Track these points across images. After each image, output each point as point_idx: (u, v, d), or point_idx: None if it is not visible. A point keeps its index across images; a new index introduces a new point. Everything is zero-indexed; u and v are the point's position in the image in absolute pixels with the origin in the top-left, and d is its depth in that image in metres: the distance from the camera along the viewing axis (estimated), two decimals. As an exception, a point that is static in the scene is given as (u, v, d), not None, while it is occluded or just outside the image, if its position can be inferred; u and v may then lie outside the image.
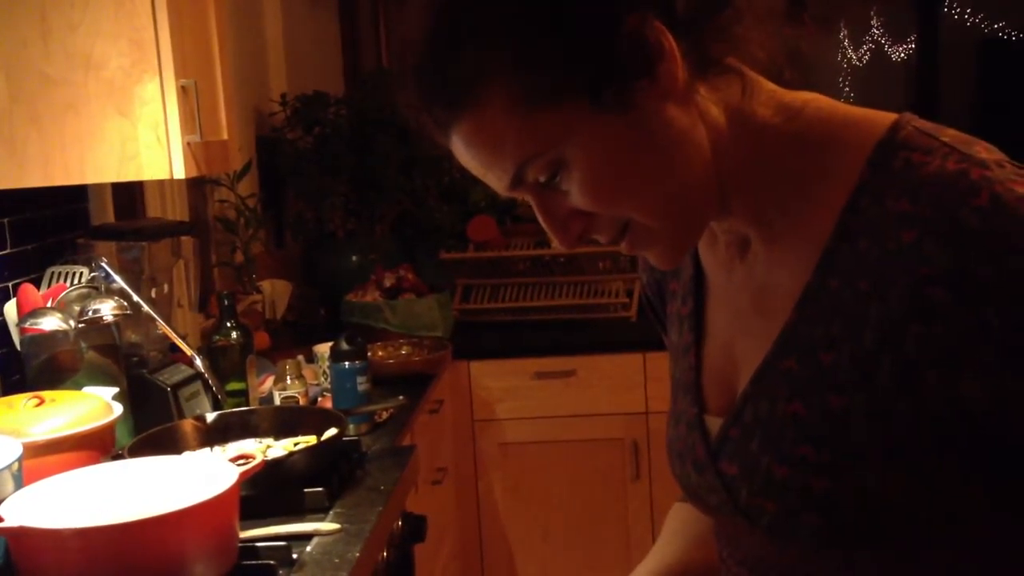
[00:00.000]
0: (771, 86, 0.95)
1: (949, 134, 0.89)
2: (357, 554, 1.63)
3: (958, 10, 6.12)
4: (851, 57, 6.26)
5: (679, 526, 1.26)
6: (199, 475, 1.52)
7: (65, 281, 2.23)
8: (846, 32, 6.27)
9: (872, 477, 0.88)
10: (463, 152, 0.90)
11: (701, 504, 1.05)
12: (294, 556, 1.60)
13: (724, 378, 1.02)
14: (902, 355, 0.86)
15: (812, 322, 0.92)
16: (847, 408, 0.89)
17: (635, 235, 0.93)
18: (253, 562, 1.54)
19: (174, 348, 2.24)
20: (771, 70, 0.95)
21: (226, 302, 2.43)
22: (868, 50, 6.30)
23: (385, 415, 2.51)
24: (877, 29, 6.30)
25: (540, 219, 0.93)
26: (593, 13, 0.85)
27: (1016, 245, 0.82)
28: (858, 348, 0.88)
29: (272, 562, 1.54)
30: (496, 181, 0.91)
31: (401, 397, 2.46)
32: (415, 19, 0.90)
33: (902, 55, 6.29)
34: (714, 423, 1.02)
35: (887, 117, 0.93)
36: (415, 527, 2.14)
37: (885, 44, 6.30)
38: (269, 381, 2.59)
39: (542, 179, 0.89)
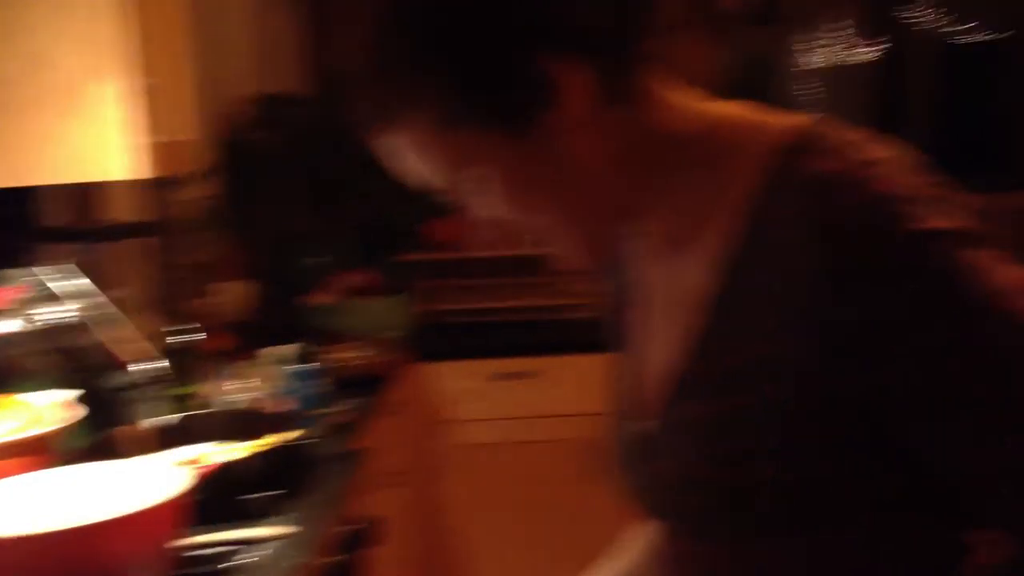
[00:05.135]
0: (688, 99, 0.97)
1: (852, 136, 0.90)
2: (306, 559, 1.63)
3: (926, 12, 6.16)
4: (818, 59, 6.30)
5: (639, 532, 1.29)
6: (148, 480, 1.52)
7: (21, 284, 2.22)
8: (812, 34, 6.30)
9: (781, 472, 0.90)
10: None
11: (637, 507, 1.08)
12: (241, 561, 1.60)
13: (640, 383, 1.06)
14: (793, 353, 0.87)
15: (714, 324, 0.94)
16: (749, 406, 0.91)
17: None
18: (197, 570, 1.55)
19: (131, 351, 2.23)
20: (706, 80, 0.98)
21: (185, 304, 2.43)
22: (835, 52, 6.34)
23: (343, 418, 2.51)
24: (844, 31, 6.33)
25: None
26: (491, 51, 0.89)
27: (877, 242, 0.83)
28: (755, 349, 0.90)
29: (219, 567, 1.55)
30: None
31: (360, 399, 2.47)
32: (341, 48, 0.97)
33: (870, 57, 6.33)
34: (635, 427, 1.05)
35: (797, 121, 0.94)
36: (368, 531, 2.15)
37: (852, 46, 6.34)
38: (226, 384, 2.59)
39: (467, 185, 0.96)
